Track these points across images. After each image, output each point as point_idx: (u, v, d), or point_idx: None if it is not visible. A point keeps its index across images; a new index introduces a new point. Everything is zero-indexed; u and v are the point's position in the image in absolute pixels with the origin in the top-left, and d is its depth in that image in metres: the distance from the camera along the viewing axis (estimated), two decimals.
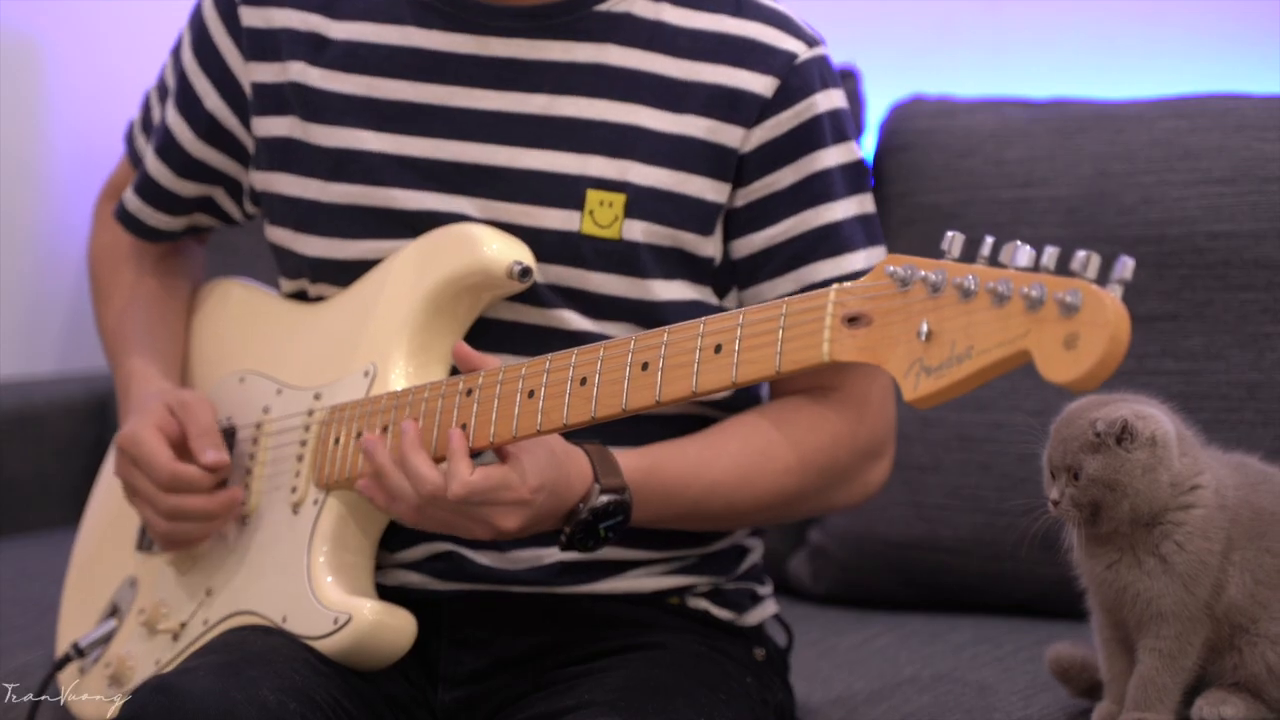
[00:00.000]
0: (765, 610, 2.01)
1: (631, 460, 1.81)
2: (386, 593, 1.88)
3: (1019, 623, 2.24)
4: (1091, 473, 1.70)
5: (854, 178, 1.92)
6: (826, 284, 1.60)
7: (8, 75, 3.08)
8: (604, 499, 1.77)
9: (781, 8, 1.92)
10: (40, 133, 3.15)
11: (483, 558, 1.88)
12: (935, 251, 1.48)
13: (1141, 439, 1.70)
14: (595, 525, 1.78)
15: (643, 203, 1.87)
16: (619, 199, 1.87)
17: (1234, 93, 2.41)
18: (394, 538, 1.89)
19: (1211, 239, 2.31)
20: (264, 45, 1.96)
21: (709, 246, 1.89)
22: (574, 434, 1.76)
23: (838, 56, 1.97)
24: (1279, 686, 1.75)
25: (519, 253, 1.85)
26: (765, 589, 2.03)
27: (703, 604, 1.96)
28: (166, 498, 1.90)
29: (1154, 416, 1.72)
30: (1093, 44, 2.80)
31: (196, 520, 1.91)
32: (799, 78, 1.88)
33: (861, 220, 1.91)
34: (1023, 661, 2.13)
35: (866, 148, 2.54)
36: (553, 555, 1.88)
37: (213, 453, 1.90)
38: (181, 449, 1.91)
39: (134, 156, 2.12)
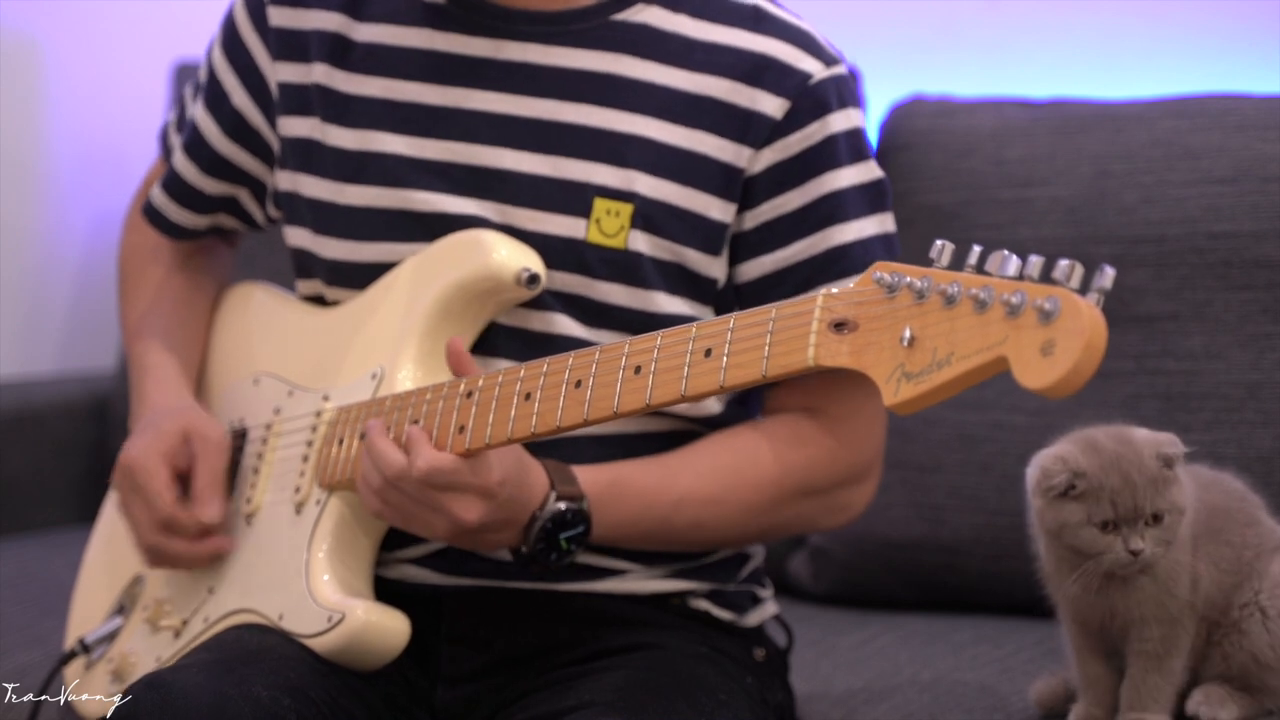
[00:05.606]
0: (765, 611, 2.01)
1: (592, 474, 1.81)
2: (387, 585, 1.88)
3: (1019, 623, 2.24)
4: (1175, 506, 1.71)
5: (873, 197, 1.89)
6: None
7: (8, 75, 3.08)
8: (560, 505, 1.78)
9: (803, 24, 1.90)
10: (40, 133, 3.15)
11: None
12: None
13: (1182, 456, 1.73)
14: (555, 535, 1.78)
15: (649, 215, 1.86)
16: (626, 209, 1.86)
17: (1234, 93, 2.41)
18: (396, 539, 1.89)
19: (1211, 239, 2.31)
20: (291, 45, 1.96)
21: (715, 267, 1.89)
22: (541, 450, 1.78)
23: None
24: (1268, 673, 1.76)
25: (528, 259, 1.85)
26: (766, 591, 2.03)
27: (703, 604, 1.95)
28: (154, 534, 1.91)
29: (1164, 435, 1.74)
30: (1093, 44, 2.80)
31: (175, 563, 1.93)
32: (811, 99, 1.87)
33: (881, 240, 1.89)
34: (1023, 662, 2.13)
35: None
36: None
37: (211, 510, 1.91)
38: (184, 479, 1.93)
39: (167, 155, 2.12)
